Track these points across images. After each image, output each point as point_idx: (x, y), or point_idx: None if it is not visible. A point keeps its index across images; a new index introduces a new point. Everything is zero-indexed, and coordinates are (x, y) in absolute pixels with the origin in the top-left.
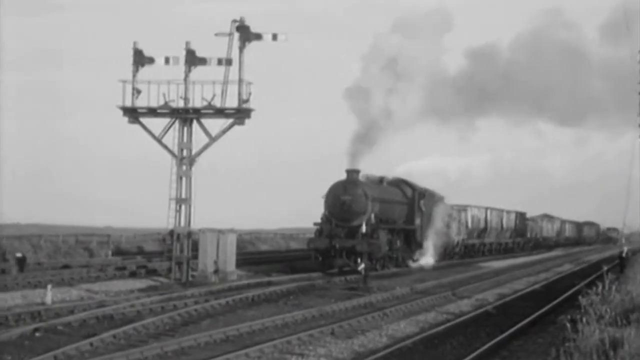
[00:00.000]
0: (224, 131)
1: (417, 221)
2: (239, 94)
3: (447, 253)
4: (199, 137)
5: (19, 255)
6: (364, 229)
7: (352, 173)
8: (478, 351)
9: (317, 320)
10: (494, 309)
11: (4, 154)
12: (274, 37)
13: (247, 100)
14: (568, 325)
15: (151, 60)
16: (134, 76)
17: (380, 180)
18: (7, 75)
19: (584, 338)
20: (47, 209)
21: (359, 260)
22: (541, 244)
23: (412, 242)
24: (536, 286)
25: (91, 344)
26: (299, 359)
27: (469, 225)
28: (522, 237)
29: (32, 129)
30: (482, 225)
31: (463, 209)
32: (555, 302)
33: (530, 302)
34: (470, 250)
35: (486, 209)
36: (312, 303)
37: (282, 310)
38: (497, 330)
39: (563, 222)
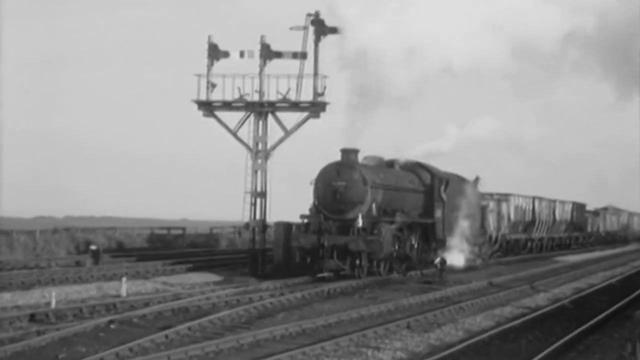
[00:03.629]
0: (299, 124)
1: (438, 213)
2: (314, 87)
3: (483, 251)
4: (274, 131)
5: (93, 247)
6: (360, 222)
7: (348, 153)
8: (554, 346)
9: (393, 314)
10: (570, 303)
11: (86, 151)
12: None
13: (322, 94)
14: None
15: (226, 54)
16: (208, 70)
17: (390, 163)
18: (91, 70)
19: None
20: (121, 201)
21: (357, 261)
22: (604, 240)
23: (431, 238)
24: (612, 280)
25: (166, 336)
26: (374, 353)
27: (512, 217)
28: (581, 231)
29: (111, 122)
30: (528, 217)
31: (504, 198)
32: (631, 297)
33: (607, 296)
34: (513, 246)
35: (533, 198)
36: (388, 296)
37: (358, 304)
38: (573, 324)
39: (631, 214)
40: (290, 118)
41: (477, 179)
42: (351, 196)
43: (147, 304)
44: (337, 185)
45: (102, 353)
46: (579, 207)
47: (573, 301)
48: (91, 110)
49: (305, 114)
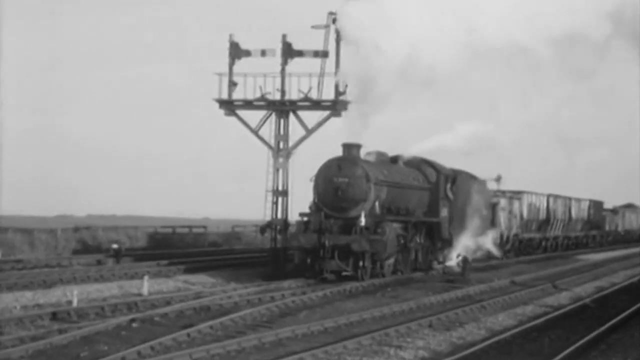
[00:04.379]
0: (320, 123)
1: (444, 212)
2: (336, 86)
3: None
4: (295, 130)
5: (115, 246)
6: (362, 221)
7: (350, 148)
8: (576, 344)
9: (415, 313)
10: (592, 302)
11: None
12: None
13: (343, 93)
14: None
15: (247, 53)
16: (230, 69)
17: (394, 159)
18: (114, 70)
19: None
20: (143, 200)
21: (361, 263)
22: (623, 238)
23: (436, 238)
24: (634, 279)
25: (188, 335)
26: (397, 351)
27: (524, 215)
28: (598, 229)
29: (133, 121)
30: (542, 215)
31: (516, 196)
32: None
33: (628, 295)
34: (527, 246)
35: (547, 196)
36: (409, 295)
37: (380, 303)
38: (595, 323)
39: None
40: (311, 117)
41: (499, 178)
42: (353, 193)
43: (168, 303)
44: (338, 181)
45: (124, 352)
46: (596, 205)
47: (595, 300)
48: (112, 109)
49: (326, 112)
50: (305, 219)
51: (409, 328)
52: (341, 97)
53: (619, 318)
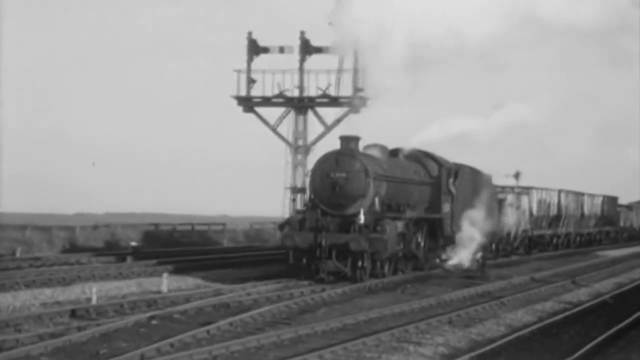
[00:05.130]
0: (339, 120)
1: (446, 207)
2: (354, 82)
3: (501, 248)
4: (313, 126)
5: (133, 244)
6: (362, 218)
7: (348, 141)
8: (595, 341)
9: (434, 309)
10: (612, 298)
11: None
12: None
13: (362, 89)
14: None
15: (266, 50)
16: (248, 66)
17: (394, 153)
18: (131, 68)
19: None
20: (161, 198)
21: (360, 263)
22: (639, 235)
23: (439, 235)
24: None
25: (208, 332)
26: (416, 348)
27: (534, 212)
28: (613, 226)
29: (150, 119)
30: (553, 212)
31: (524, 191)
32: None
33: None
34: (537, 243)
35: (559, 191)
36: (429, 292)
37: (399, 299)
38: (614, 319)
39: None
40: (330, 113)
41: (517, 174)
42: (352, 189)
43: (187, 300)
44: (336, 176)
45: (143, 349)
46: (610, 201)
47: (614, 296)
48: (130, 106)
49: (345, 109)
50: (301, 216)
51: (428, 324)
52: (359, 94)
53: (638, 314)
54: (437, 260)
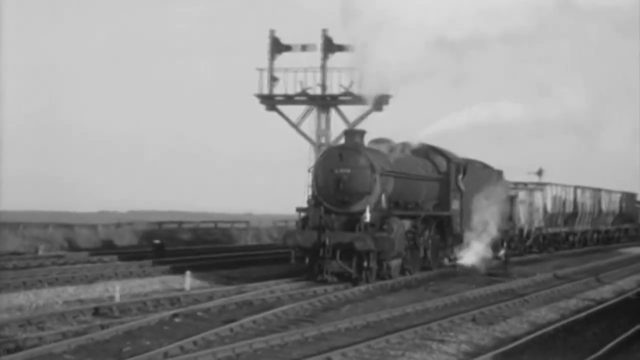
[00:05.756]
0: (362, 117)
1: (455, 204)
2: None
3: (514, 247)
4: (336, 124)
5: (156, 241)
6: (367, 217)
7: (352, 135)
8: (619, 338)
9: (457, 307)
10: (635, 295)
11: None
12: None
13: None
14: None
15: (288, 48)
16: (270, 64)
17: (401, 148)
18: (154, 66)
19: None
20: (185, 196)
21: (365, 263)
22: None
23: (447, 234)
24: None
25: (231, 330)
26: (439, 345)
27: (548, 209)
28: (631, 223)
29: (173, 117)
30: (569, 209)
31: (538, 188)
32: None
33: None
34: (552, 241)
35: (575, 187)
36: (452, 289)
37: (422, 297)
38: (638, 317)
39: None
40: (353, 111)
41: (540, 171)
42: (357, 186)
43: (211, 298)
44: (340, 172)
45: (167, 347)
46: (628, 197)
47: (638, 293)
48: (153, 105)
49: (367, 107)
50: (304, 214)
51: (451, 322)
52: (382, 91)
53: None
54: (446, 260)
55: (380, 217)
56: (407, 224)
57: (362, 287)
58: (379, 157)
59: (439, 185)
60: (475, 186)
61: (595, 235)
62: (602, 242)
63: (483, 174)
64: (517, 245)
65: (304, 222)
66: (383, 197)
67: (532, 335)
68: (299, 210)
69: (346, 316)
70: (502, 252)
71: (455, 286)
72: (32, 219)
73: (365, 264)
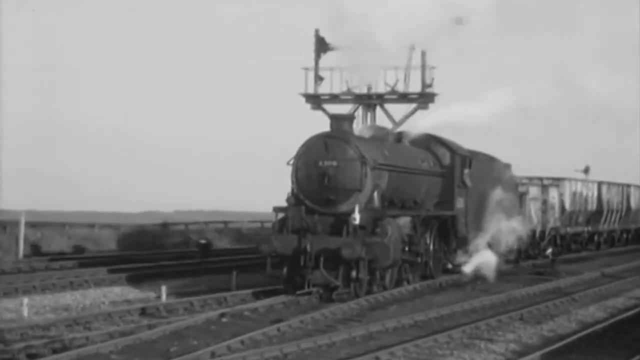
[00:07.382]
0: (407, 116)
1: (460, 203)
2: (422, 78)
3: (524, 249)
4: (382, 123)
5: (202, 241)
6: (357, 218)
7: (339, 121)
8: None
9: (505, 305)
10: None
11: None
12: (458, 20)
13: (430, 85)
14: None
15: (333, 47)
16: (316, 63)
17: (398, 137)
18: (193, 66)
19: None
20: (230, 195)
21: (354, 273)
22: None
23: (451, 236)
24: None
25: (278, 329)
26: (487, 345)
27: (566, 206)
28: None
29: (219, 118)
30: (592, 206)
31: (554, 183)
32: None
33: None
34: (570, 242)
35: (599, 183)
36: (499, 288)
37: (470, 296)
38: None
39: None
40: (398, 110)
41: (587, 169)
42: (344, 181)
43: (257, 297)
44: (324, 165)
45: (214, 346)
46: None
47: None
48: (196, 106)
49: (413, 105)
50: (281, 215)
51: (499, 321)
52: (428, 90)
53: None
54: (450, 266)
55: (372, 219)
56: (404, 225)
57: (409, 287)
58: (371, 148)
59: (441, 181)
60: (481, 181)
61: (624, 235)
62: (634, 242)
63: (490, 168)
64: (527, 247)
65: (281, 225)
66: (375, 194)
67: (580, 334)
68: (276, 210)
69: (394, 315)
70: (549, 251)
71: (503, 285)
72: (75, 219)
73: (354, 274)
